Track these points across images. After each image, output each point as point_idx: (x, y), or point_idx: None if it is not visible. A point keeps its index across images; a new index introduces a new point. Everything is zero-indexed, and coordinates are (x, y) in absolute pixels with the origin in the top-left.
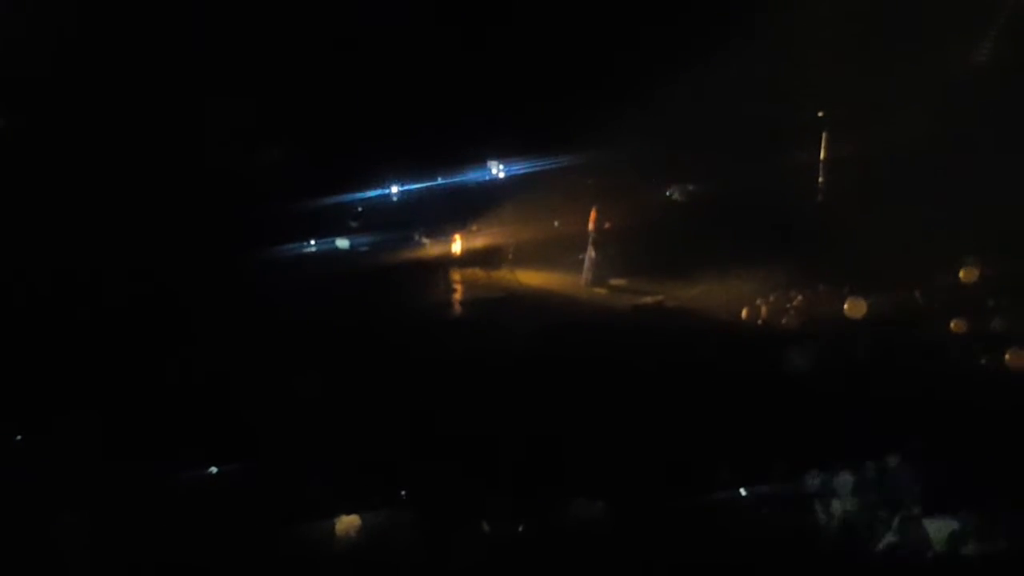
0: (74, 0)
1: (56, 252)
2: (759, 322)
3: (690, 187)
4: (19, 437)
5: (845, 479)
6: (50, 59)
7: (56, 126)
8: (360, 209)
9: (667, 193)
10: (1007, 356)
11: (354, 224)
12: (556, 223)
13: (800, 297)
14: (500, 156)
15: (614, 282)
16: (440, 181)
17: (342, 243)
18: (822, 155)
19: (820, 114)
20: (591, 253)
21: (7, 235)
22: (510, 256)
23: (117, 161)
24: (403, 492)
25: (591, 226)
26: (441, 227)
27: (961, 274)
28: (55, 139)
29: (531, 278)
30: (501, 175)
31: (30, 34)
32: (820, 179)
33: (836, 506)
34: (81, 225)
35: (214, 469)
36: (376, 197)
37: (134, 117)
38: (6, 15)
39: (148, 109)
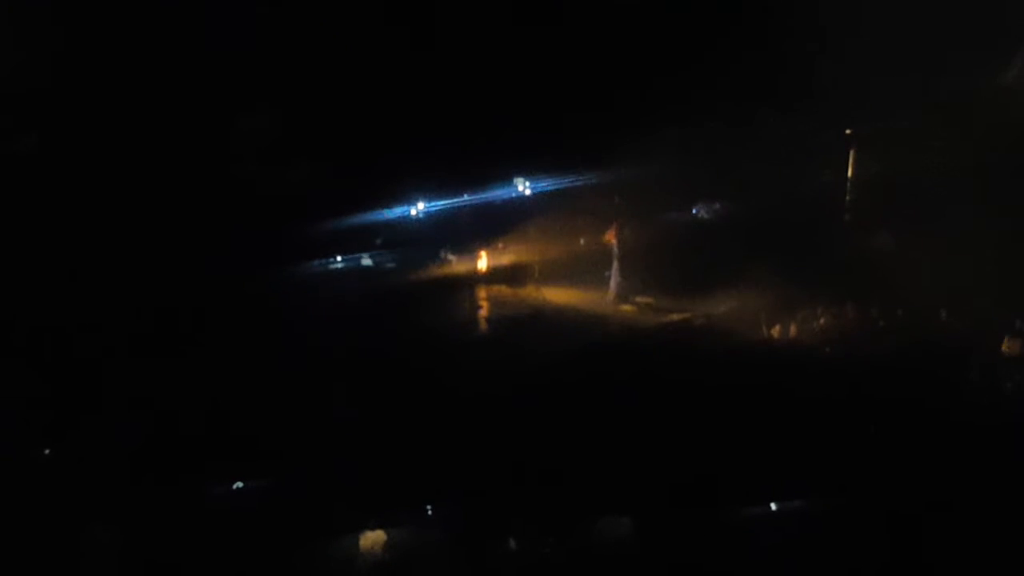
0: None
1: (87, 271)
2: (786, 340)
3: (716, 205)
4: (47, 451)
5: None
6: (64, 74)
7: (73, 145)
8: (386, 226)
9: (693, 211)
10: None
11: (380, 241)
12: (582, 240)
13: (827, 315)
14: (527, 173)
15: (640, 299)
16: (467, 198)
17: (367, 260)
18: (850, 173)
19: (848, 132)
20: (617, 270)
21: (27, 253)
22: (536, 273)
23: (143, 180)
24: (429, 508)
25: (617, 243)
26: (467, 244)
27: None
28: (71, 157)
29: (557, 295)
30: (528, 192)
31: (47, 48)
32: (848, 197)
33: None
34: (108, 244)
35: (240, 484)
36: (402, 214)
37: (159, 135)
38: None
39: (175, 127)
